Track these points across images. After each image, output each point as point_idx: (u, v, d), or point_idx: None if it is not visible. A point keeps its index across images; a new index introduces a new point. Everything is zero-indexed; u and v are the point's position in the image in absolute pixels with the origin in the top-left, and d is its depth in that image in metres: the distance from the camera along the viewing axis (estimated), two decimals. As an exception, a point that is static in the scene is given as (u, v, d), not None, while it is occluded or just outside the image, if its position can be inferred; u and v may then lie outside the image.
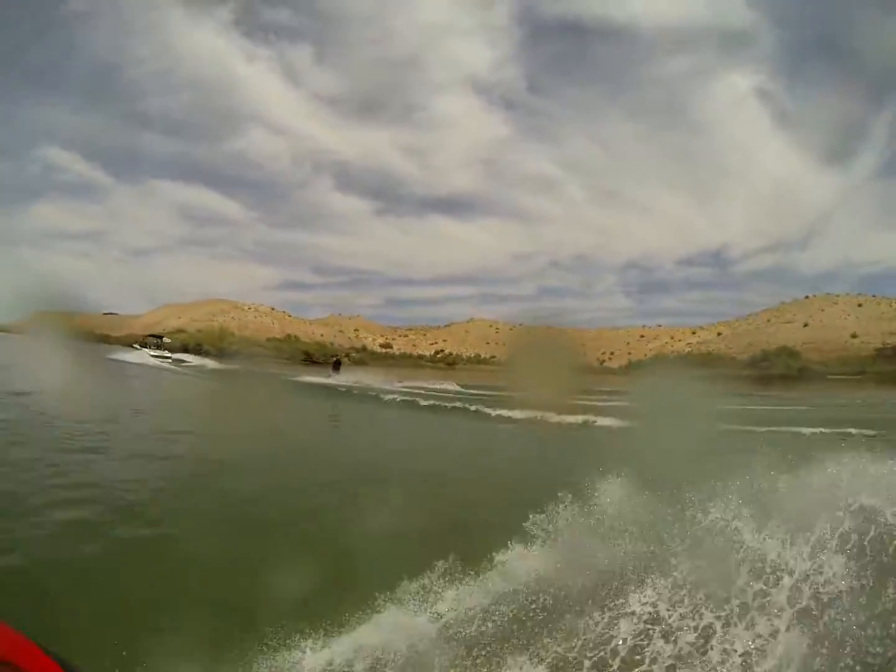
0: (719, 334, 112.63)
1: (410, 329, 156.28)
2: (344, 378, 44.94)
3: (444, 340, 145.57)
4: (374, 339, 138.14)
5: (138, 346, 65.82)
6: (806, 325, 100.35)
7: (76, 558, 5.82)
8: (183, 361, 61.91)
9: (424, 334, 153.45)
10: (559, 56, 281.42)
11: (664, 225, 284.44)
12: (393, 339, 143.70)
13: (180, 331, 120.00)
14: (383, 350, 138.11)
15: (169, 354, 64.19)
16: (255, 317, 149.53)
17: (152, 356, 60.19)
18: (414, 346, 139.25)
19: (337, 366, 54.41)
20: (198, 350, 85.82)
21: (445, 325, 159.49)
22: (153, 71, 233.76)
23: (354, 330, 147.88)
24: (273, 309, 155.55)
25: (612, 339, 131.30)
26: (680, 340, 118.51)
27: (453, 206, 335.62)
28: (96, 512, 7.21)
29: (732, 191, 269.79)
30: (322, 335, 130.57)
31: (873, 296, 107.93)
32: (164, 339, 76.49)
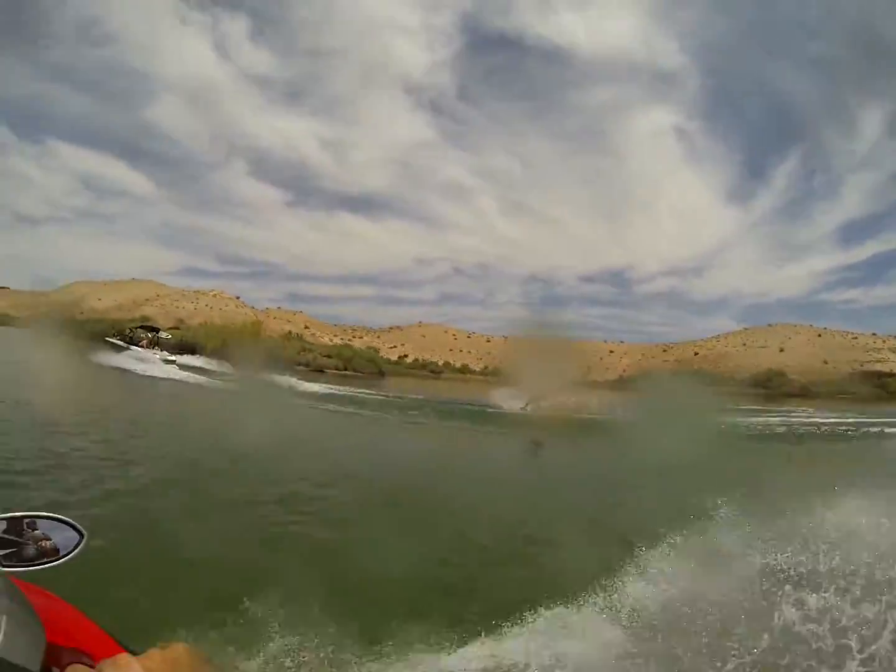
0: (696, 354, 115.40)
1: (355, 329, 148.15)
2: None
3: (403, 345, 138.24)
4: (331, 339, 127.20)
5: (123, 342, 46.76)
6: (782, 349, 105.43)
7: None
8: (205, 370, 43.09)
9: (378, 336, 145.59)
10: (494, 69, 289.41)
11: (571, 242, 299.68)
12: (350, 341, 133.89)
13: (174, 327, 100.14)
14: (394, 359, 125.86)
15: (173, 357, 44.77)
16: (207, 305, 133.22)
17: (165, 362, 42.16)
18: (377, 350, 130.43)
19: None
20: (191, 350, 62.29)
21: (387, 329, 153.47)
22: (73, 18, 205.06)
23: (305, 327, 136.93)
24: (227, 296, 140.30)
25: (577, 352, 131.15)
26: (653, 357, 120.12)
27: (364, 204, 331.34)
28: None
29: (639, 216, 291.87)
30: (291, 333, 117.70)
31: (824, 328, 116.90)
32: (160, 332, 54.47)
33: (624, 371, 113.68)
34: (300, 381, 38.93)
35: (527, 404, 30.67)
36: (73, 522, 1.20)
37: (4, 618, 0.88)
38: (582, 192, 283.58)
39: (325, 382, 46.23)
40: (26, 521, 1.18)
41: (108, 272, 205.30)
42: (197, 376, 37.47)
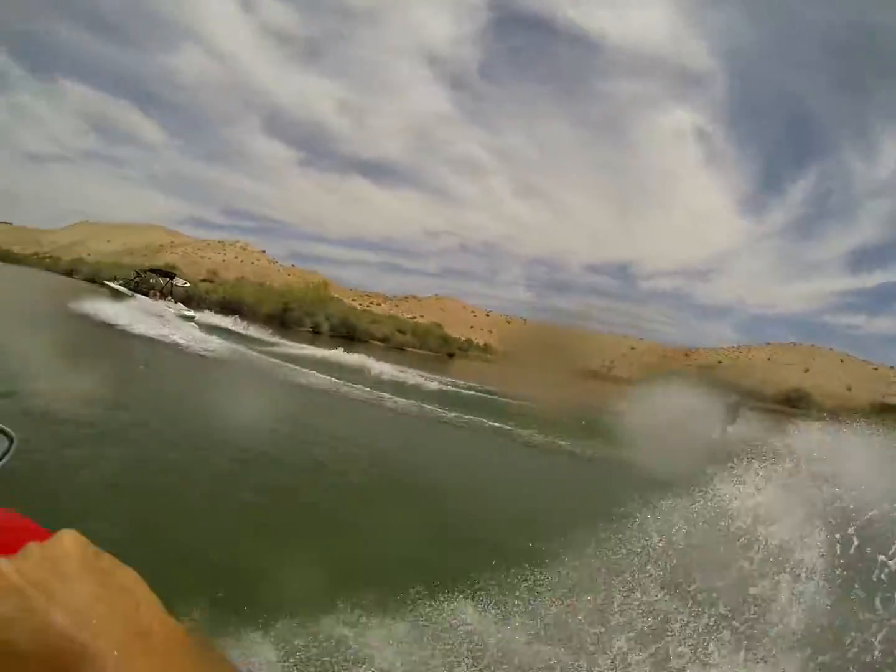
0: (720, 362, 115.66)
1: (371, 296, 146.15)
2: None
3: (422, 317, 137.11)
4: (362, 305, 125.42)
5: (125, 289, 33.70)
6: (807, 370, 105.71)
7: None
8: (248, 339, 32.06)
9: (396, 305, 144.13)
10: (519, 48, 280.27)
11: (579, 229, 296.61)
12: (368, 307, 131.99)
13: (207, 279, 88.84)
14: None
15: (191, 313, 32.38)
16: (237, 257, 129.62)
17: (183, 318, 30.33)
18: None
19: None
20: (236, 311, 51.62)
21: (403, 298, 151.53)
22: None
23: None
24: (254, 250, 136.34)
25: (598, 344, 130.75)
26: (676, 360, 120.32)
27: (377, 170, 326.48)
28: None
29: (651, 213, 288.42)
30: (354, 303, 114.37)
31: (848, 355, 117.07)
32: (175, 279, 37.88)
33: (647, 370, 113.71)
34: (382, 365, 27.86)
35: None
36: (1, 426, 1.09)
37: None
38: (596, 181, 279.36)
39: (417, 368, 31.66)
40: None
41: (112, 216, 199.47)
42: (234, 346, 25.01)
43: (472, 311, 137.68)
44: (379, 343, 72.78)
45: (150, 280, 36.48)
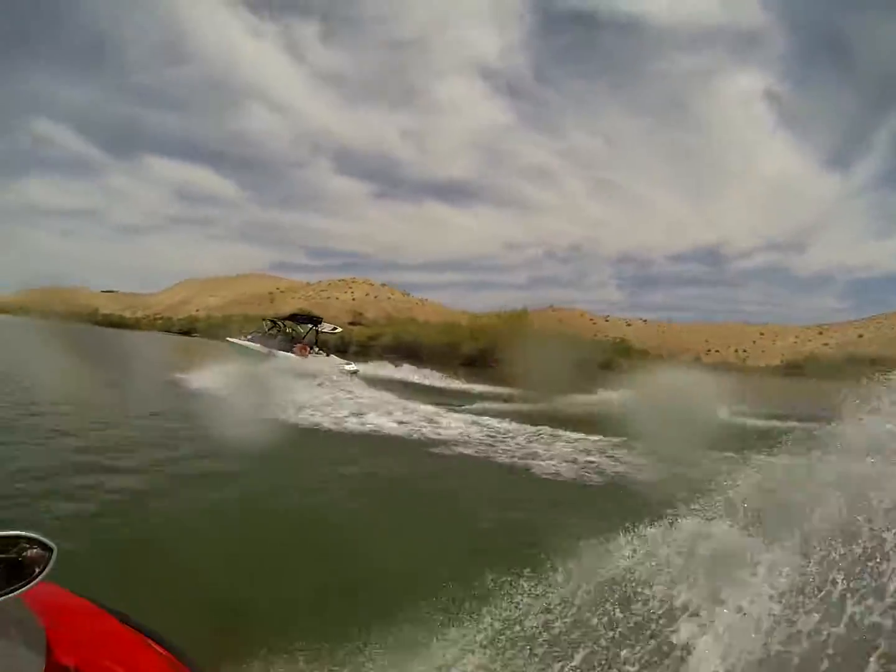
0: (861, 336, 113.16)
1: (480, 316, 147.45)
2: None
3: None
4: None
5: (258, 345, 26.19)
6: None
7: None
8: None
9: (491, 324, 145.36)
10: (568, 47, 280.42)
11: (660, 220, 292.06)
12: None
13: (355, 322, 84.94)
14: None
15: (354, 366, 24.85)
16: (369, 294, 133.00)
17: (346, 371, 23.18)
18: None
19: None
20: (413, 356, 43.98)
21: (516, 313, 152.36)
22: (154, 44, 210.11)
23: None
24: (372, 283, 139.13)
25: (715, 334, 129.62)
26: (809, 340, 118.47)
27: (449, 191, 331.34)
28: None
29: (731, 189, 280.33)
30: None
31: None
32: (322, 323, 28.71)
33: (783, 356, 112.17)
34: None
35: None
36: (40, 537, 1.13)
37: None
38: (668, 167, 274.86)
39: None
40: None
41: (207, 273, 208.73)
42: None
43: (591, 319, 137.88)
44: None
45: (288, 330, 27.69)
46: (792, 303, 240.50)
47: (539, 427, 12.97)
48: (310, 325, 27.64)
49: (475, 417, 14.39)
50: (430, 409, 15.09)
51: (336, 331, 30.67)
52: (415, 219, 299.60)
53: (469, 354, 57.05)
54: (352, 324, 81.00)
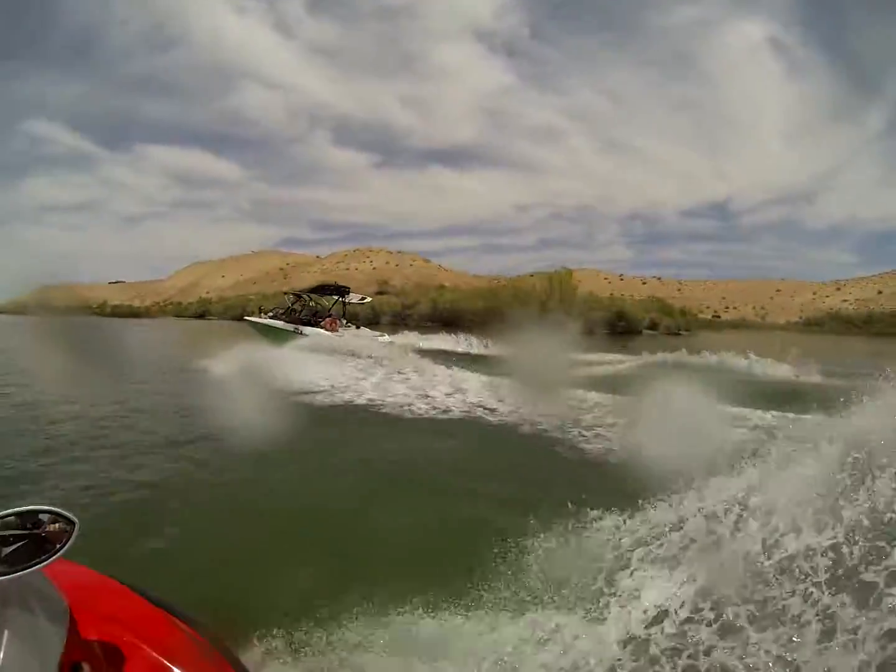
0: (880, 292, 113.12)
1: (495, 278, 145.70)
2: None
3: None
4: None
5: (282, 322, 23.30)
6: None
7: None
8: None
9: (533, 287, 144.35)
10: (564, 2, 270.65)
11: (669, 176, 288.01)
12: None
13: (381, 292, 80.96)
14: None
15: (388, 338, 22.78)
16: (389, 262, 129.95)
17: (384, 343, 20.62)
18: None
19: None
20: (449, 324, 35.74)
21: (529, 276, 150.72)
22: (138, 31, 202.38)
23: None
24: (389, 251, 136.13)
25: (732, 291, 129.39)
26: (828, 296, 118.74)
27: (454, 157, 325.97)
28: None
29: (739, 142, 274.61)
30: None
31: None
32: (350, 293, 25.27)
33: (801, 312, 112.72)
34: None
35: None
36: (62, 511, 1.15)
37: (6, 633, 0.94)
38: (676, 122, 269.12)
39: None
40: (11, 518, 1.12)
41: (216, 255, 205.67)
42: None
43: (606, 278, 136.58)
44: (650, 333, 63.52)
45: (312, 303, 24.84)
46: (804, 257, 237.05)
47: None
48: (336, 297, 24.90)
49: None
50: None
51: (365, 301, 28.21)
52: (420, 186, 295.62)
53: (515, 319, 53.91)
54: (378, 293, 77.13)
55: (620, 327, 59.68)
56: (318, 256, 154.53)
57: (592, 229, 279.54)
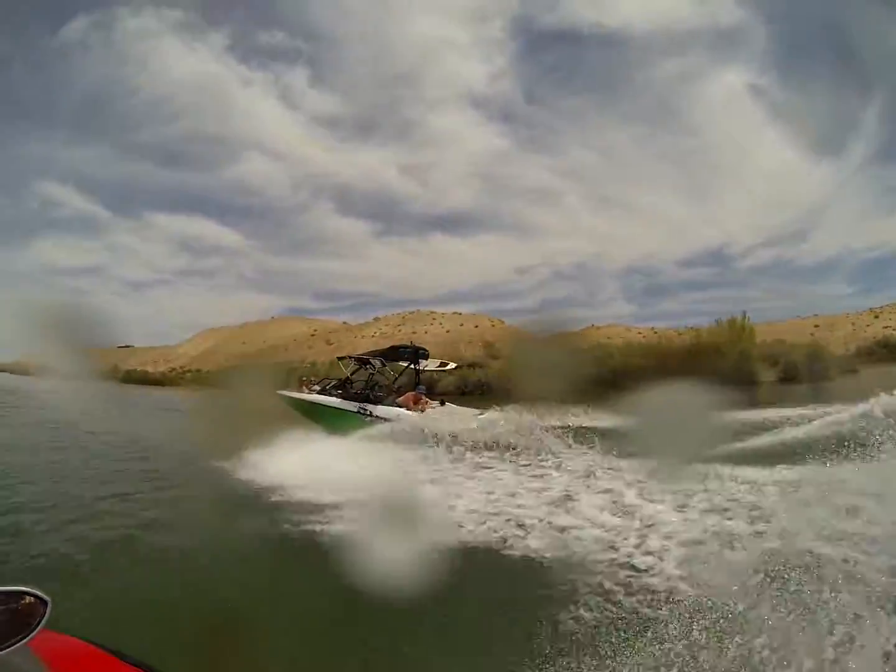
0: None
1: (655, 332, 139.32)
2: None
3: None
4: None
5: (338, 401, 14.79)
6: None
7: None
8: None
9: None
10: (554, 66, 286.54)
11: (662, 227, 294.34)
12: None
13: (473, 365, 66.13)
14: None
15: (481, 413, 12.57)
16: (441, 325, 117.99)
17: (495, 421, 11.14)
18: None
19: None
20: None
21: (553, 336, 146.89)
22: (147, 100, 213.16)
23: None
24: (437, 314, 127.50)
25: (779, 334, 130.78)
26: (868, 325, 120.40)
27: (453, 222, 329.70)
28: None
29: (728, 188, 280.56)
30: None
31: None
32: (425, 354, 16.67)
33: (845, 343, 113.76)
34: None
35: None
36: (35, 591, 1.14)
37: None
38: (666, 174, 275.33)
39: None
40: None
41: (220, 323, 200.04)
42: None
43: (639, 332, 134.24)
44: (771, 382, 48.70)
45: (382, 372, 17.03)
46: (801, 293, 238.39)
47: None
48: (415, 352, 17.11)
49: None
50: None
51: (447, 367, 20.42)
52: (421, 253, 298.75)
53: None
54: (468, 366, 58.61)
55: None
56: (344, 323, 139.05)
57: (593, 286, 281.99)
